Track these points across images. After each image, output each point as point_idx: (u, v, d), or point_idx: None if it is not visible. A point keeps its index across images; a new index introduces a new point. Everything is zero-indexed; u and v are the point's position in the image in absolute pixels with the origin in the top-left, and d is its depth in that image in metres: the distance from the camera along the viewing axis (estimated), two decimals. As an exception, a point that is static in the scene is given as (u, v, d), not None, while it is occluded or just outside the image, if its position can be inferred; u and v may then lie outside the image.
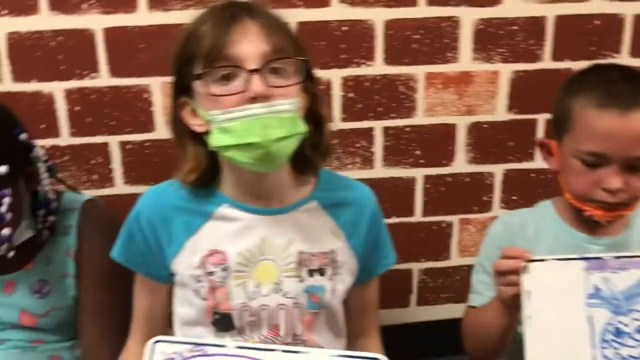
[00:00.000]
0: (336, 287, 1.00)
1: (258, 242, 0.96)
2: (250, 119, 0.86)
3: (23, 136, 1.06)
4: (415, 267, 1.57)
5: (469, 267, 1.57)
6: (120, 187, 1.38)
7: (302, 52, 0.92)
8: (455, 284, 1.59)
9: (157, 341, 0.82)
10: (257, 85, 0.84)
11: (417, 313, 1.61)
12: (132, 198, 1.36)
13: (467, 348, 1.17)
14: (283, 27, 0.91)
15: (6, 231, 1.03)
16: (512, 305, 0.96)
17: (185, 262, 0.97)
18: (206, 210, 0.97)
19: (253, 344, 0.90)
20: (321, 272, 0.98)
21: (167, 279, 1.01)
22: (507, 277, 0.94)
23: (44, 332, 1.12)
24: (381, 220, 1.06)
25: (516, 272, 0.93)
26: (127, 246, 1.00)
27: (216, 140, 0.89)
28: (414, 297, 1.60)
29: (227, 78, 0.87)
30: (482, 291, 1.15)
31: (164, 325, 1.05)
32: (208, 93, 0.87)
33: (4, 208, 1.02)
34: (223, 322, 0.96)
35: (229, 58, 0.86)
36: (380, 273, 1.08)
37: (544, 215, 1.16)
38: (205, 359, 0.82)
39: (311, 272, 0.97)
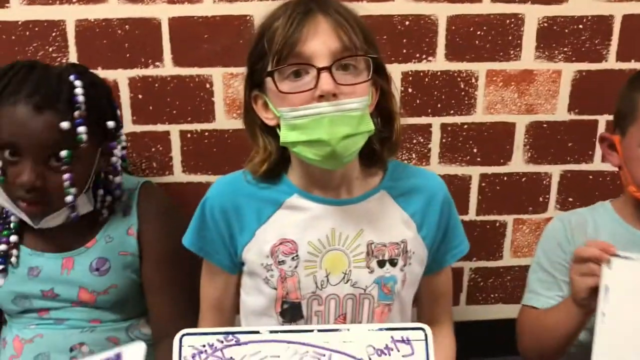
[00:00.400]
0: (407, 277, 0.99)
1: (328, 232, 0.96)
2: (318, 116, 0.86)
3: (118, 112, 1.13)
4: (467, 265, 1.55)
5: (521, 268, 1.56)
6: (178, 175, 1.40)
7: (374, 48, 0.92)
8: (506, 284, 1.58)
9: (183, 335, 0.81)
10: (325, 83, 0.85)
11: (466, 312, 1.59)
12: (190, 187, 1.40)
13: (523, 349, 1.15)
14: (355, 23, 0.90)
15: (118, 179, 1.12)
16: (584, 304, 0.94)
17: (255, 251, 0.97)
18: (277, 199, 0.98)
19: (287, 327, 0.90)
20: (392, 262, 0.98)
21: (237, 269, 1.02)
22: (588, 264, 0.91)
23: (102, 311, 1.15)
24: (452, 208, 1.05)
25: (598, 261, 0.90)
26: (199, 234, 1.00)
27: (285, 136, 0.91)
28: (463, 296, 1.58)
29: (297, 74, 0.88)
30: (540, 290, 1.14)
31: (233, 315, 1.06)
32: (277, 90, 0.88)
33: (115, 158, 1.11)
34: (291, 312, 0.97)
35: (300, 55, 0.86)
36: (452, 262, 1.07)
37: (603, 214, 1.15)
38: (238, 348, 0.80)
39: (382, 263, 0.97)
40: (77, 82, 1.04)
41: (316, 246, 0.96)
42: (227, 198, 0.99)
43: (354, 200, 0.98)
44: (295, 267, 0.96)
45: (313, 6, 0.88)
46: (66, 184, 1.03)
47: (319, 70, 0.85)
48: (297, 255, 0.96)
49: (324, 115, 0.86)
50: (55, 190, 1.04)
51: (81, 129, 1.03)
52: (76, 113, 1.03)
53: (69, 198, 1.05)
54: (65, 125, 1.01)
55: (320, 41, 0.86)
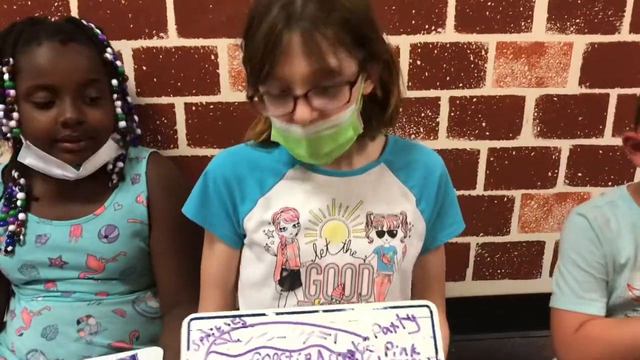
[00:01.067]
0: (406, 250, 0.99)
1: (328, 202, 0.96)
2: (296, 139, 0.87)
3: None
4: (474, 241, 1.54)
5: (529, 244, 1.56)
6: (183, 148, 1.38)
7: (367, 41, 0.85)
8: (513, 259, 1.57)
9: (192, 319, 0.81)
10: (300, 113, 0.83)
11: (472, 287, 1.59)
12: (195, 160, 1.39)
13: (567, 356, 1.10)
14: (337, 25, 0.81)
15: (123, 123, 1.16)
16: None
17: (257, 218, 0.97)
18: (279, 170, 0.98)
19: (292, 309, 0.90)
20: (391, 233, 0.98)
21: (239, 241, 1.01)
22: None
23: (108, 283, 1.15)
24: (450, 186, 1.05)
25: None
26: (203, 206, 1.00)
27: (273, 135, 0.92)
28: (469, 271, 1.58)
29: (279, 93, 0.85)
30: (582, 293, 1.10)
31: (234, 294, 1.06)
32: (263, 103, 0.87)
33: (129, 98, 1.18)
34: (290, 280, 0.97)
35: (279, 79, 0.83)
36: (446, 240, 1.06)
37: (622, 206, 1.11)
38: (245, 330, 0.81)
39: (381, 233, 0.97)
40: (91, 24, 1.12)
41: (317, 215, 0.96)
42: (229, 168, 0.99)
43: (354, 172, 0.98)
44: (296, 234, 0.95)
45: (287, 20, 0.80)
46: (102, 116, 1.09)
47: (295, 97, 0.83)
48: (298, 223, 0.96)
49: (301, 139, 0.87)
50: (96, 124, 1.08)
51: (118, 62, 1.14)
52: (109, 49, 1.12)
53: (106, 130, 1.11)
54: (109, 56, 1.11)
55: (293, 67, 0.81)
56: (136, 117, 1.20)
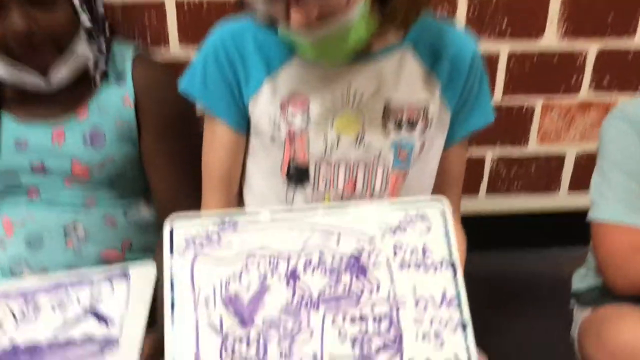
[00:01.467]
0: (425, 144, 0.89)
1: (343, 90, 0.86)
2: (301, 42, 0.79)
3: None
4: (489, 153, 1.45)
5: (547, 157, 1.46)
6: (174, 48, 1.27)
7: None
8: (530, 173, 1.48)
9: (175, 219, 0.73)
10: (293, 19, 0.73)
11: (487, 202, 1.51)
12: (187, 60, 1.28)
13: (622, 277, 0.96)
14: None
15: (85, 17, 1.00)
16: None
17: (263, 104, 0.87)
18: (288, 50, 0.86)
19: (289, 208, 0.83)
20: (411, 124, 0.87)
21: (245, 125, 0.91)
22: None
23: (97, 190, 1.06)
24: (482, 72, 0.92)
25: None
26: (202, 82, 0.90)
27: (280, 32, 0.82)
28: (484, 185, 1.49)
29: None
30: (634, 202, 0.95)
31: (237, 194, 0.97)
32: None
33: None
34: (298, 175, 0.88)
35: None
36: (472, 130, 0.95)
37: None
38: (234, 235, 0.73)
39: (399, 125, 0.87)
40: None
41: (329, 104, 0.86)
42: (232, 44, 0.87)
43: (373, 56, 0.86)
44: (306, 126, 0.86)
45: None
46: (58, 18, 0.94)
47: (287, 0, 0.72)
48: (307, 113, 0.86)
49: (305, 44, 0.78)
50: (53, 29, 0.94)
51: None
52: None
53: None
54: None
55: None
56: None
